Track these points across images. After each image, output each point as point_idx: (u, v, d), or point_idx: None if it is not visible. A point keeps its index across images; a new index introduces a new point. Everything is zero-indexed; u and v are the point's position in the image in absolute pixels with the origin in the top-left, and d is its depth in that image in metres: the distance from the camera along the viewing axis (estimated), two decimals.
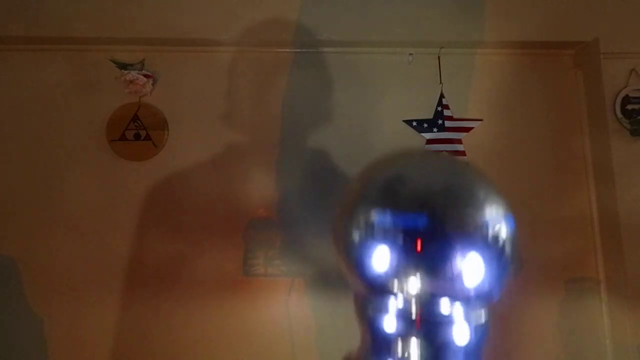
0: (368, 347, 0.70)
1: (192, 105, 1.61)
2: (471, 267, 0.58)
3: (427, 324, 0.61)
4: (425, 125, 1.64)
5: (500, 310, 1.59)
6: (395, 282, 0.61)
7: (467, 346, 0.62)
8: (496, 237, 0.61)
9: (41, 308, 1.50)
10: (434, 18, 1.60)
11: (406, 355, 0.62)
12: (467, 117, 1.66)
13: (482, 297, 0.63)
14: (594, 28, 1.60)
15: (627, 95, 1.57)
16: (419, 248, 0.59)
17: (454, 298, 0.61)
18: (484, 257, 0.59)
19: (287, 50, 1.64)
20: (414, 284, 0.60)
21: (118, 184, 1.55)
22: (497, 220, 0.62)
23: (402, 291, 0.61)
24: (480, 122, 1.65)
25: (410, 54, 1.66)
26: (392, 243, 0.60)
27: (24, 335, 1.49)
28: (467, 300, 0.61)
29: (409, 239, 0.59)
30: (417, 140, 1.64)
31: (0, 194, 1.53)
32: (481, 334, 0.64)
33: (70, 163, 1.55)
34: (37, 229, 1.52)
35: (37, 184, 1.54)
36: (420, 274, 0.59)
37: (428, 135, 1.63)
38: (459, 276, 0.59)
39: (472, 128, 1.65)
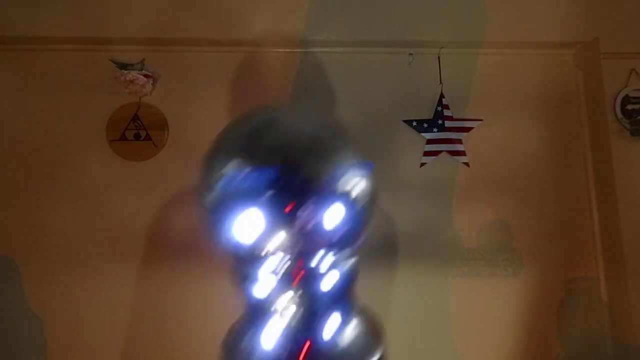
0: (246, 314, 0.71)
1: (192, 105, 1.61)
2: (334, 217, 0.60)
3: (303, 278, 0.63)
4: (425, 125, 1.64)
5: (501, 309, 1.59)
6: (263, 244, 0.61)
7: (337, 290, 0.65)
8: (353, 189, 0.62)
9: (41, 308, 1.50)
10: (434, 18, 1.60)
11: (282, 313, 0.63)
12: (467, 117, 1.66)
13: (346, 245, 0.65)
14: (594, 28, 1.60)
15: (627, 95, 1.57)
16: (287, 209, 0.59)
17: (320, 247, 0.62)
18: (344, 207, 0.61)
19: (287, 50, 1.64)
20: (281, 241, 0.60)
21: (118, 184, 1.55)
22: (354, 172, 0.64)
23: (270, 252, 0.62)
24: (480, 122, 1.65)
25: (410, 54, 1.66)
26: (255, 202, 0.59)
27: (22, 332, 1.49)
28: (333, 249, 0.63)
29: (271, 195, 0.58)
30: (417, 140, 1.64)
31: (1, 193, 1.53)
32: (349, 278, 0.67)
33: (70, 163, 1.55)
34: (37, 229, 1.52)
35: (37, 184, 1.54)
36: (286, 231, 0.60)
37: (428, 135, 1.63)
38: (323, 229, 0.60)
39: (472, 128, 1.65)
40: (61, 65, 1.58)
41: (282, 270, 0.63)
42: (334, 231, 0.62)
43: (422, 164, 1.63)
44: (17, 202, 1.53)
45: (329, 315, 0.64)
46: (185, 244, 1.53)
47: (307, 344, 0.62)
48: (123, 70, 1.52)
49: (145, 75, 1.53)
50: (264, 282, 0.64)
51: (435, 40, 1.61)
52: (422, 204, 1.61)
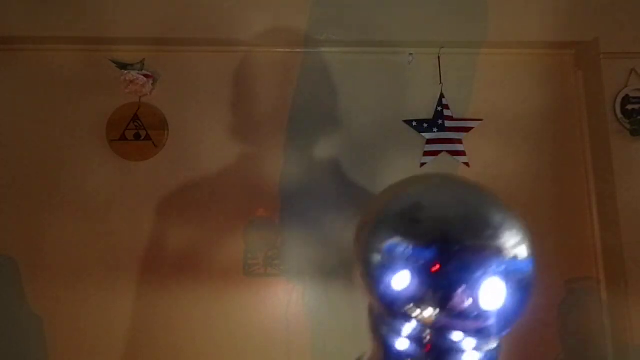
0: (380, 357, 0.70)
1: (192, 105, 1.61)
2: (488, 296, 0.57)
3: (436, 349, 0.61)
4: (425, 125, 1.64)
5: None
6: (412, 307, 0.60)
7: None
8: (515, 263, 0.59)
9: (41, 307, 1.50)
10: (434, 18, 1.60)
11: None
12: (467, 117, 1.66)
13: (497, 330, 0.61)
14: (594, 28, 1.60)
15: (627, 95, 1.57)
16: (437, 276, 0.58)
17: (466, 329, 0.59)
18: (502, 285, 0.57)
19: (287, 50, 1.64)
20: (430, 311, 0.59)
21: (118, 184, 1.55)
22: (515, 248, 0.60)
23: (417, 316, 0.60)
24: (480, 122, 1.65)
25: (410, 54, 1.66)
26: (411, 270, 0.59)
27: (23, 332, 1.49)
28: (479, 331, 0.60)
29: (427, 267, 0.58)
30: (417, 140, 1.64)
31: (1, 194, 1.53)
32: (490, 358, 0.63)
33: (70, 163, 1.55)
34: (37, 229, 1.52)
35: (37, 184, 1.54)
36: (436, 302, 0.58)
37: (428, 135, 1.63)
38: (480, 307, 0.57)
39: (472, 128, 1.65)
40: (61, 65, 1.58)
41: (424, 338, 0.62)
42: (487, 314, 0.58)
43: (422, 164, 1.63)
44: (17, 201, 1.53)
45: None
46: (167, 270, 1.53)
47: None
48: (123, 70, 1.52)
49: (145, 75, 1.53)
50: (404, 340, 0.64)
51: (435, 40, 1.61)
52: None
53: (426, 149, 1.63)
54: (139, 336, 1.51)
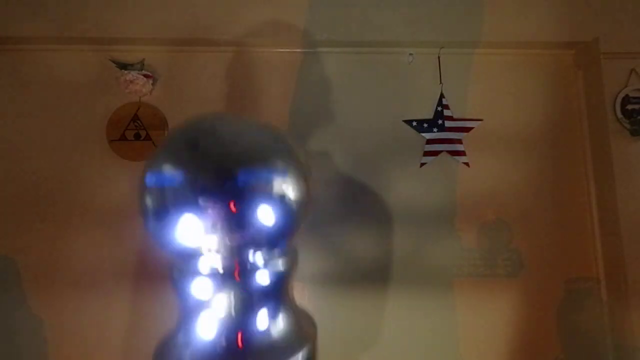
0: (182, 315, 0.77)
1: (192, 105, 1.61)
2: (266, 218, 0.67)
3: (242, 274, 0.69)
4: (425, 125, 1.64)
5: (501, 309, 1.59)
6: (201, 244, 0.67)
7: (269, 288, 0.71)
8: (283, 192, 0.70)
9: (41, 307, 1.50)
10: (434, 18, 1.60)
11: (216, 310, 0.69)
12: (467, 117, 1.66)
13: (277, 243, 0.73)
14: (594, 28, 1.60)
15: (627, 95, 1.57)
16: (221, 210, 0.65)
17: (254, 247, 0.69)
18: (274, 209, 0.68)
19: (287, 50, 1.64)
20: (218, 242, 0.66)
21: (118, 184, 1.55)
22: (282, 177, 0.70)
23: (207, 251, 0.68)
24: (480, 122, 1.65)
25: (410, 54, 1.66)
26: (194, 207, 0.65)
27: (23, 334, 1.49)
28: (265, 246, 0.70)
29: (210, 201, 0.65)
30: (417, 140, 1.64)
31: (1, 193, 1.53)
32: (280, 278, 0.73)
33: (70, 163, 1.55)
34: (38, 229, 1.52)
35: (37, 183, 1.54)
36: (223, 231, 0.66)
37: (428, 135, 1.63)
38: (256, 226, 0.67)
39: (472, 128, 1.65)
40: (61, 65, 1.58)
41: (220, 267, 0.69)
42: (264, 229, 0.68)
43: (422, 164, 1.63)
44: (16, 202, 1.53)
45: (260, 309, 0.71)
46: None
47: (240, 335, 0.68)
48: (123, 70, 1.52)
49: (145, 75, 1.53)
50: (200, 279, 0.71)
51: (435, 40, 1.61)
52: (422, 204, 1.61)
53: (426, 149, 1.63)
54: (141, 340, 1.51)
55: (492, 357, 1.58)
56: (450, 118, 1.64)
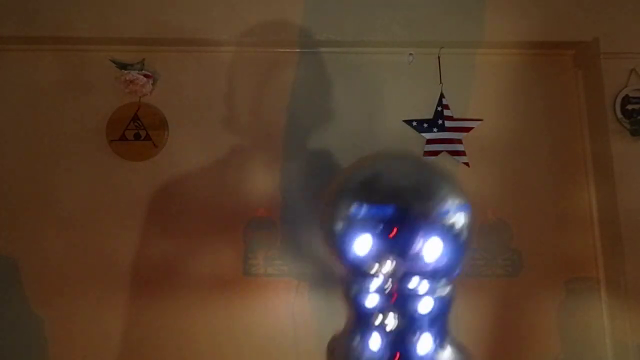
0: (353, 322, 0.85)
1: (192, 105, 1.61)
2: (433, 249, 0.75)
3: (400, 297, 0.77)
4: (425, 125, 1.64)
5: (501, 309, 1.59)
6: (374, 264, 0.76)
7: (431, 314, 0.78)
8: (453, 225, 0.78)
9: (41, 308, 1.50)
10: (434, 18, 1.60)
11: (384, 324, 0.78)
12: (467, 117, 1.66)
13: (443, 274, 0.79)
14: (594, 28, 1.60)
15: (627, 95, 1.57)
16: (391, 235, 0.74)
17: (420, 275, 0.76)
18: (443, 241, 0.76)
19: (287, 50, 1.64)
20: (389, 265, 0.75)
21: (118, 184, 1.55)
22: (454, 211, 0.79)
23: (379, 272, 0.77)
24: (480, 122, 1.65)
25: (410, 54, 1.66)
26: (370, 232, 0.75)
27: (24, 335, 1.49)
28: (430, 276, 0.77)
29: (383, 228, 0.74)
30: (417, 140, 1.64)
31: (1, 194, 1.53)
32: (444, 304, 0.80)
33: (70, 163, 1.55)
34: (38, 229, 1.52)
35: (38, 184, 1.54)
36: (393, 257, 0.75)
37: (428, 135, 1.63)
38: (424, 257, 0.74)
39: (472, 128, 1.65)
40: (61, 65, 1.58)
41: (386, 289, 0.78)
42: (433, 261, 0.75)
43: None
44: (17, 202, 1.53)
45: (421, 335, 0.78)
46: (167, 270, 1.54)
47: (397, 355, 0.76)
48: (123, 70, 1.52)
49: (145, 75, 1.53)
50: (371, 296, 0.79)
51: (435, 40, 1.61)
52: None
53: (426, 149, 1.63)
54: (140, 339, 1.51)
55: (492, 357, 1.58)
56: (450, 118, 1.64)
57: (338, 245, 0.81)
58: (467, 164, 1.63)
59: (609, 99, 1.57)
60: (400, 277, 0.76)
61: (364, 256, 0.77)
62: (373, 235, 0.75)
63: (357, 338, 0.81)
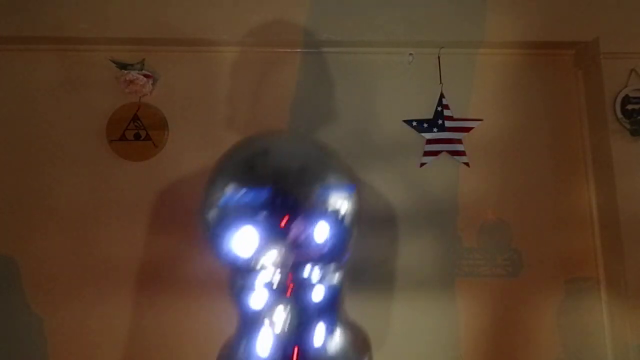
0: (240, 323, 0.78)
1: (192, 105, 1.61)
2: (321, 234, 0.69)
3: (295, 289, 0.71)
4: (425, 125, 1.64)
5: (501, 309, 1.60)
6: (259, 258, 0.70)
7: (323, 303, 0.73)
8: (340, 207, 0.72)
9: (41, 308, 1.50)
10: (434, 18, 1.60)
11: (274, 322, 0.72)
12: (467, 117, 1.66)
13: (332, 259, 0.74)
14: (594, 28, 1.60)
15: (627, 95, 1.57)
16: (282, 224, 0.68)
17: (311, 263, 0.71)
18: (331, 225, 0.70)
19: (287, 50, 1.64)
20: (275, 256, 0.68)
21: (118, 184, 1.55)
22: (339, 194, 0.72)
23: (266, 265, 0.70)
24: (480, 122, 1.65)
25: (410, 54, 1.66)
26: (251, 221, 0.68)
27: (24, 335, 1.49)
28: (321, 262, 0.72)
29: (267, 215, 0.67)
30: (417, 140, 1.64)
31: (0, 193, 1.53)
32: (336, 291, 0.75)
33: (70, 163, 1.55)
34: (37, 229, 1.52)
35: (37, 183, 1.54)
36: (281, 247, 0.68)
37: (428, 135, 1.63)
38: (313, 243, 0.68)
39: (472, 128, 1.65)
40: (61, 65, 1.58)
41: (275, 282, 0.71)
42: (320, 245, 0.69)
43: (422, 164, 1.63)
44: (16, 201, 1.53)
45: (316, 325, 0.72)
46: (167, 270, 1.53)
47: (296, 350, 0.69)
48: (123, 70, 1.52)
49: (145, 75, 1.53)
50: (258, 293, 0.72)
51: (435, 40, 1.61)
52: (422, 204, 1.61)
53: (426, 149, 1.63)
54: (140, 339, 1.51)
55: (492, 357, 1.58)
56: (450, 118, 1.64)
57: (214, 238, 0.72)
58: (467, 164, 1.63)
59: (609, 99, 1.57)
60: (292, 268, 0.70)
61: (247, 250, 0.68)
62: (256, 224, 0.67)
63: (245, 343, 0.74)
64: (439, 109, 1.64)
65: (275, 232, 0.66)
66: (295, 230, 0.66)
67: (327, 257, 0.72)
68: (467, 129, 1.65)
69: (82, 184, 1.55)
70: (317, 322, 0.71)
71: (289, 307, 0.70)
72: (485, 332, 1.58)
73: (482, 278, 1.60)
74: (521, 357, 1.58)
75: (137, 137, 1.56)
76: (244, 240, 0.67)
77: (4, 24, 1.49)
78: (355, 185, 0.75)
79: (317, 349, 0.70)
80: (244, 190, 0.67)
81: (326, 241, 0.69)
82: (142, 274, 1.53)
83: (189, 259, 1.54)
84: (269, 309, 0.71)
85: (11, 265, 1.49)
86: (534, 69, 1.70)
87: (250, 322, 0.73)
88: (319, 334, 0.71)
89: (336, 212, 0.70)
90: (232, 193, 0.68)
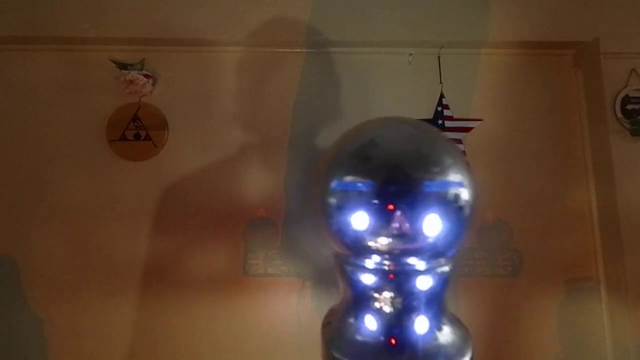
0: (349, 300, 0.80)
1: (192, 105, 1.61)
2: (433, 225, 0.69)
3: (398, 274, 0.72)
4: None
5: (501, 309, 1.59)
6: (370, 241, 0.71)
7: (430, 293, 0.73)
8: (455, 199, 0.71)
9: (41, 308, 1.50)
10: (434, 18, 1.60)
11: (381, 304, 0.73)
12: (467, 117, 1.66)
13: (442, 250, 0.74)
14: (594, 28, 1.60)
15: (627, 95, 1.57)
16: (390, 208, 0.68)
17: (419, 252, 0.71)
18: (443, 216, 0.70)
19: (287, 50, 1.64)
20: (387, 242, 0.69)
21: (118, 184, 1.55)
22: (456, 186, 0.72)
23: (376, 249, 0.71)
24: (480, 122, 1.65)
25: (410, 54, 1.66)
26: (365, 206, 0.69)
27: (23, 335, 1.49)
28: (430, 253, 0.72)
29: (380, 202, 0.68)
30: None
31: (0, 193, 1.53)
32: (442, 282, 0.75)
33: (70, 163, 1.55)
34: (37, 229, 1.52)
35: (37, 183, 1.54)
36: (392, 233, 0.69)
37: None
38: (423, 233, 0.68)
39: (472, 128, 1.65)
40: (61, 65, 1.58)
41: (383, 267, 0.72)
42: (431, 238, 0.69)
43: None
44: (16, 201, 1.53)
45: (419, 314, 0.73)
46: (167, 270, 1.53)
47: (397, 333, 0.71)
48: (123, 70, 1.52)
49: (145, 75, 1.53)
50: (367, 275, 0.74)
51: (435, 40, 1.61)
52: None
53: None
54: (140, 340, 1.51)
55: (492, 357, 1.58)
56: (450, 118, 1.64)
57: (331, 221, 0.74)
58: (467, 163, 1.63)
59: (609, 99, 1.57)
60: (398, 254, 0.71)
61: (360, 233, 0.70)
62: (369, 210, 0.68)
63: (353, 316, 0.77)
64: (439, 109, 1.64)
65: (385, 220, 0.67)
66: (399, 219, 0.67)
67: (437, 249, 0.72)
68: (467, 129, 1.65)
69: (82, 184, 1.55)
70: (420, 312, 0.73)
71: (394, 292, 0.71)
72: (485, 332, 1.58)
73: (482, 278, 1.60)
74: (521, 357, 1.58)
75: (137, 137, 1.56)
76: (359, 222, 0.69)
77: (4, 24, 1.49)
78: (473, 178, 0.74)
79: (419, 338, 0.71)
80: (358, 180, 0.69)
81: (438, 232, 0.69)
82: (142, 274, 1.53)
83: (188, 259, 1.54)
84: (376, 291, 0.72)
85: (11, 265, 1.49)
86: (534, 69, 1.70)
87: (358, 300, 0.76)
88: (422, 324, 0.73)
89: (452, 203, 0.70)
90: (348, 184, 0.71)
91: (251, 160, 1.60)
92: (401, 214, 0.67)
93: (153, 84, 1.57)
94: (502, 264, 1.61)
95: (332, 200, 0.73)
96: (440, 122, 1.63)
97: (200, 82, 1.61)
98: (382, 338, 0.72)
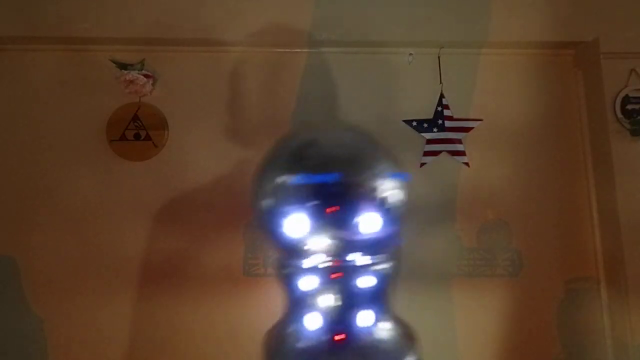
0: (291, 302, 0.81)
1: (192, 105, 1.61)
2: (370, 223, 0.71)
3: (343, 275, 0.73)
4: (425, 125, 1.64)
5: (501, 309, 1.59)
6: (308, 242, 0.73)
7: (372, 289, 0.75)
8: (390, 197, 0.75)
9: (41, 308, 1.50)
10: (434, 18, 1.60)
11: (321, 305, 0.74)
12: (467, 117, 1.66)
13: (380, 247, 0.76)
14: (594, 28, 1.60)
15: (627, 95, 1.57)
16: (330, 210, 0.70)
17: (358, 250, 0.73)
18: (381, 213, 0.72)
19: (287, 50, 1.64)
20: (324, 241, 0.71)
21: (118, 184, 1.55)
22: (388, 184, 0.75)
23: (314, 250, 0.73)
24: (480, 122, 1.65)
25: (410, 54, 1.66)
26: (303, 207, 0.71)
27: (24, 335, 1.49)
28: (367, 251, 0.74)
29: (319, 202, 0.70)
30: (417, 140, 1.64)
31: (1, 193, 1.53)
32: (383, 279, 0.77)
33: (70, 163, 1.55)
34: (38, 229, 1.52)
35: (37, 184, 1.54)
36: (330, 232, 0.71)
37: (428, 135, 1.63)
38: (361, 231, 0.70)
39: (472, 128, 1.65)
40: (61, 65, 1.58)
41: (323, 267, 0.73)
42: (370, 235, 0.72)
43: (422, 164, 1.63)
44: (17, 202, 1.53)
45: (362, 310, 0.75)
46: (167, 269, 1.54)
47: (342, 333, 0.73)
48: (123, 70, 1.52)
49: (145, 75, 1.53)
50: (308, 276, 0.75)
51: (435, 40, 1.61)
52: (422, 203, 1.61)
53: (426, 149, 1.63)
54: (140, 340, 1.51)
55: (492, 357, 1.58)
56: (450, 118, 1.64)
57: (268, 223, 0.76)
58: (467, 164, 1.63)
59: (609, 99, 1.57)
60: (338, 253, 0.73)
61: (297, 234, 0.72)
62: (307, 211, 0.70)
63: (294, 323, 0.78)
64: (439, 109, 1.64)
65: (324, 220, 0.69)
66: (340, 218, 0.69)
67: (375, 246, 0.74)
68: (467, 129, 1.65)
69: (82, 184, 1.55)
70: (363, 309, 0.74)
71: (335, 291, 0.73)
72: (485, 331, 1.58)
73: (482, 278, 1.60)
74: (521, 357, 1.58)
75: (137, 137, 1.56)
76: (295, 225, 0.70)
77: (4, 24, 1.49)
78: (406, 175, 0.78)
79: (363, 334, 0.73)
80: (294, 180, 0.71)
81: (373, 230, 0.71)
82: (142, 273, 1.53)
83: (189, 259, 1.54)
84: (316, 292, 0.74)
85: (11, 265, 1.49)
86: (534, 69, 1.70)
87: (298, 304, 0.76)
88: (364, 320, 0.74)
89: (386, 201, 0.73)
90: (283, 182, 0.72)
91: (251, 159, 1.59)
92: (337, 214, 0.69)
93: (153, 84, 1.57)
94: (502, 264, 1.61)
95: (269, 202, 0.75)
96: (440, 122, 1.63)
97: (200, 82, 1.61)
98: (323, 337, 0.73)
